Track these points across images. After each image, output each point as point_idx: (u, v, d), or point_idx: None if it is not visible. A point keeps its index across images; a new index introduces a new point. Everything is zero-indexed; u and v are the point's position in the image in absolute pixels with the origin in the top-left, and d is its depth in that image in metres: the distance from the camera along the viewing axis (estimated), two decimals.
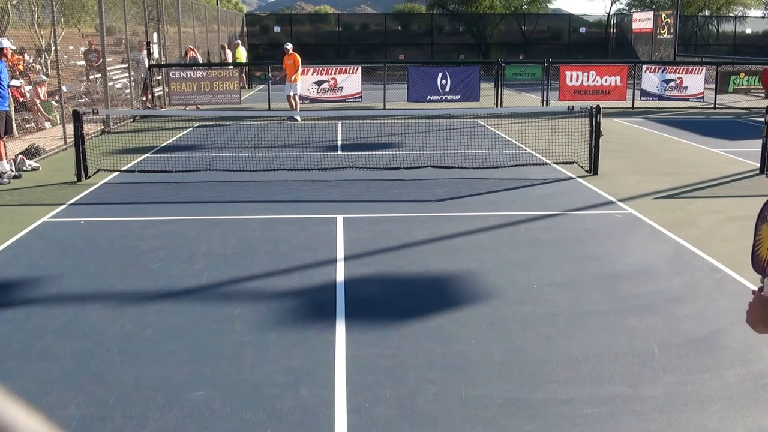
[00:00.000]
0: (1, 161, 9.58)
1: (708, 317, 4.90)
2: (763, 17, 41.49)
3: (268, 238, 6.82)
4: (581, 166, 10.06)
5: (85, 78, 17.67)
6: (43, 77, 14.72)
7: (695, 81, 19.18)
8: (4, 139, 9.68)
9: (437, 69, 19.34)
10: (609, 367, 4.14)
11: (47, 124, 14.18)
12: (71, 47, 18.13)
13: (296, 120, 16.00)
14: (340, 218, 7.46)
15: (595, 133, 9.79)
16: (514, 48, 36.69)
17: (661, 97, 19.19)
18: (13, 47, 9.91)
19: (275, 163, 10.19)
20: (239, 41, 27.13)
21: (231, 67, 20.50)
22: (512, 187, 9.13)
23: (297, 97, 16.78)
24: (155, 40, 18.55)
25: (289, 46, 16.99)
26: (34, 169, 10.36)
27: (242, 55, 25.31)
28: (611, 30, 38.42)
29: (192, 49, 21.73)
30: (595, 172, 9.78)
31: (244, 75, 25.27)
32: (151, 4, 18.14)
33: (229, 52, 25.20)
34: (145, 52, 17.39)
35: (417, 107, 18.14)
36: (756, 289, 2.08)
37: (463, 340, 4.51)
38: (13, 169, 9.96)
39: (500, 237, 6.93)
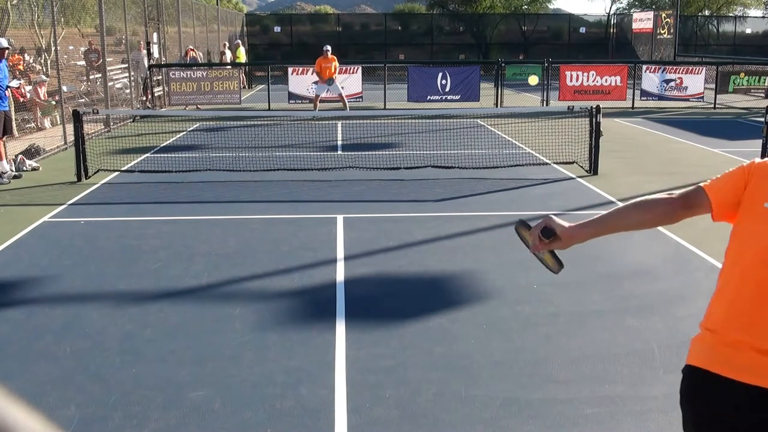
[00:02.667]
0: (1, 161, 9.58)
1: None
2: (763, 17, 41.49)
3: (268, 238, 6.82)
4: (581, 166, 10.06)
5: (85, 78, 17.68)
6: (43, 77, 14.72)
7: (695, 81, 19.18)
8: (4, 139, 9.68)
9: (437, 69, 19.35)
10: (609, 367, 4.14)
11: (47, 124, 14.19)
12: (71, 47, 18.14)
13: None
14: (340, 218, 7.46)
15: (595, 133, 9.79)
16: (514, 48, 36.70)
17: (661, 97, 19.19)
18: (9, 47, 9.89)
19: (275, 163, 10.19)
20: (239, 41, 27.15)
21: (231, 67, 20.51)
22: (512, 187, 9.13)
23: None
24: (155, 40, 18.55)
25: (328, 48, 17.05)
26: (34, 169, 10.36)
27: (242, 54, 25.30)
28: (611, 30, 38.42)
29: (192, 50, 21.74)
30: (595, 172, 9.78)
31: (244, 75, 25.26)
32: (151, 4, 18.14)
33: (228, 53, 25.16)
34: (144, 51, 17.39)
35: (417, 107, 18.14)
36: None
37: (463, 340, 4.51)
38: (13, 169, 9.96)
39: (500, 237, 6.93)
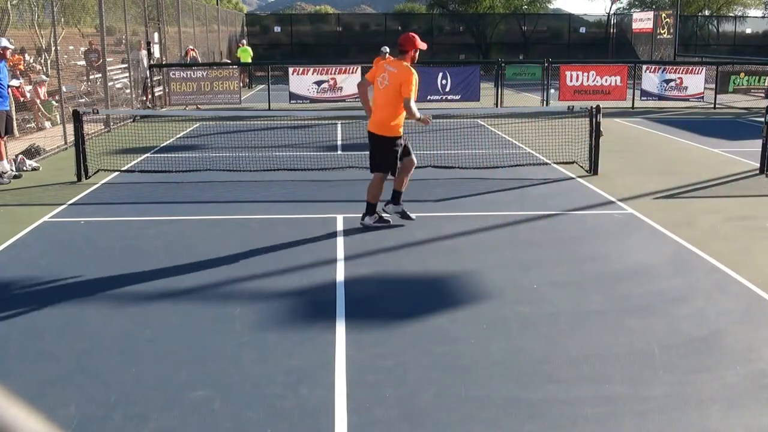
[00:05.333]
0: (2, 161, 9.58)
1: (708, 317, 4.90)
2: (763, 17, 41.51)
3: (268, 238, 6.82)
4: (581, 166, 10.06)
5: (85, 78, 17.68)
6: (43, 77, 14.71)
7: (695, 81, 19.17)
8: (5, 138, 9.68)
9: (437, 69, 19.33)
10: (609, 367, 4.14)
11: (47, 124, 14.19)
12: (71, 47, 18.14)
13: None
14: (340, 218, 7.46)
15: (595, 133, 9.79)
16: (514, 48, 36.70)
17: (661, 97, 19.19)
18: (12, 47, 9.89)
19: (275, 163, 10.18)
20: (245, 40, 27.83)
21: (231, 67, 20.54)
22: (512, 187, 9.12)
23: None
24: (156, 39, 18.54)
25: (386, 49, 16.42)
26: (34, 169, 10.36)
27: (244, 54, 25.82)
28: (611, 30, 38.42)
29: (192, 49, 21.76)
30: (595, 172, 9.78)
31: (248, 75, 25.98)
32: (151, 4, 18.14)
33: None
34: (144, 51, 17.39)
35: (417, 107, 18.10)
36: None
37: (463, 340, 4.51)
38: (13, 169, 9.96)
39: (500, 237, 6.93)
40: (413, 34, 6.84)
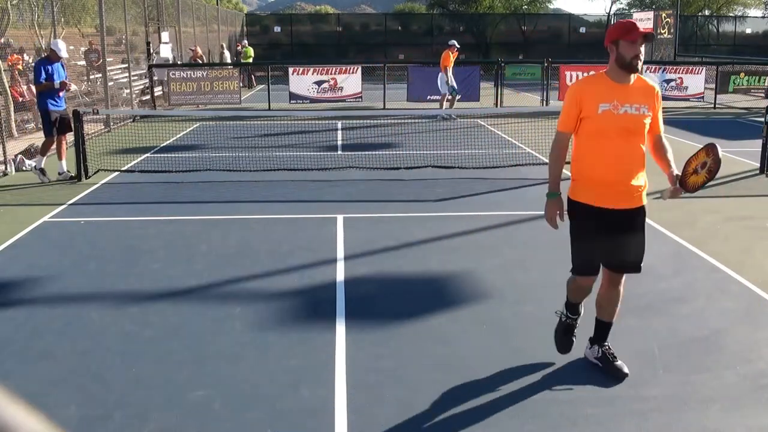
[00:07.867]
0: (61, 161, 9.61)
1: (708, 317, 4.90)
2: (763, 17, 41.51)
3: (268, 238, 6.82)
4: None
5: (85, 78, 17.68)
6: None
7: (695, 81, 19.18)
8: (65, 137, 9.71)
9: (437, 69, 19.30)
10: None
11: None
12: (71, 47, 18.12)
13: (452, 118, 15.98)
14: (340, 218, 7.46)
15: None
16: (514, 48, 36.68)
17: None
18: (66, 54, 9.64)
19: (275, 163, 10.18)
20: (246, 41, 28.07)
21: (231, 67, 20.54)
22: (512, 187, 9.12)
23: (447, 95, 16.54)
24: (166, 39, 18.53)
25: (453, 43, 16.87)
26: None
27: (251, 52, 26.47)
28: None
29: (195, 50, 21.81)
30: None
31: (252, 75, 26.21)
32: (151, 4, 18.14)
33: (227, 53, 25.70)
34: (154, 53, 17.42)
35: (417, 107, 18.13)
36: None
37: (463, 340, 4.51)
38: (14, 169, 9.96)
39: (500, 237, 6.93)
40: (619, 23, 3.81)
